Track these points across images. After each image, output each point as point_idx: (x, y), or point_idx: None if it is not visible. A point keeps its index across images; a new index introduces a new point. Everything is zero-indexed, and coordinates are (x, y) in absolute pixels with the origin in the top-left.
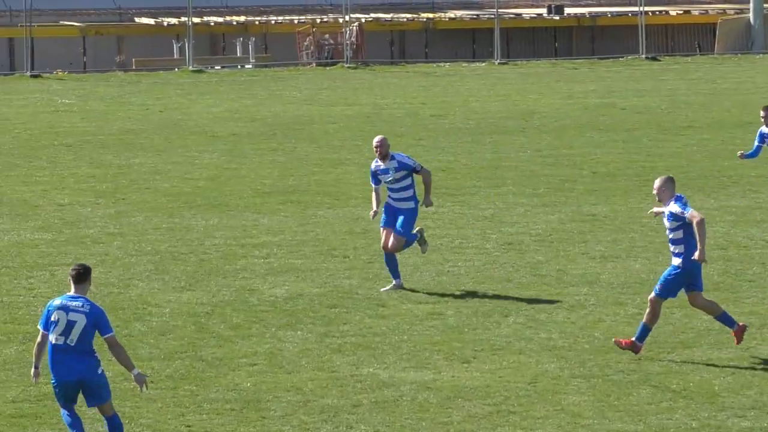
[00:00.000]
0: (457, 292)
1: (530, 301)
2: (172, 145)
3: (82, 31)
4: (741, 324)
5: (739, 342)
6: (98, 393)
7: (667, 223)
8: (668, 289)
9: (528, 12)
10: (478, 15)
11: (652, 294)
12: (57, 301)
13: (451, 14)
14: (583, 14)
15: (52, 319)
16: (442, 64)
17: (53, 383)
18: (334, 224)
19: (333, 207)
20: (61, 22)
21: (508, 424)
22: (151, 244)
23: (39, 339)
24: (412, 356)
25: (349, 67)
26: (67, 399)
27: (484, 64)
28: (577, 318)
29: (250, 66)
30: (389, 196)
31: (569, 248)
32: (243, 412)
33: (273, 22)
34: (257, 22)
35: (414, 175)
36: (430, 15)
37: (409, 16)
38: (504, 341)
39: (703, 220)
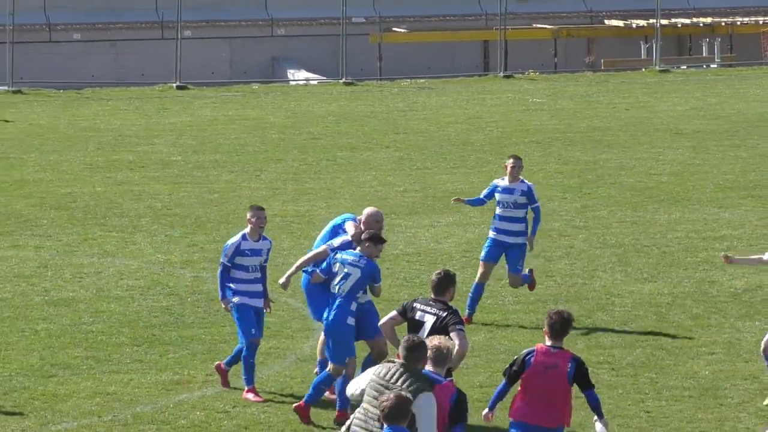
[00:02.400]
0: None
1: None
2: (637, 141)
3: (554, 33)
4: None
5: None
6: None
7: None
8: None
9: None
10: None
11: None
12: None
13: None
14: None
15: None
16: None
17: None
18: None
19: None
20: (534, 25)
21: None
22: (615, 236)
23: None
24: None
25: None
26: None
27: None
28: None
29: (715, 66)
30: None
31: None
32: (701, 399)
33: (739, 23)
34: (723, 23)
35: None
36: None
37: None
38: None
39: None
